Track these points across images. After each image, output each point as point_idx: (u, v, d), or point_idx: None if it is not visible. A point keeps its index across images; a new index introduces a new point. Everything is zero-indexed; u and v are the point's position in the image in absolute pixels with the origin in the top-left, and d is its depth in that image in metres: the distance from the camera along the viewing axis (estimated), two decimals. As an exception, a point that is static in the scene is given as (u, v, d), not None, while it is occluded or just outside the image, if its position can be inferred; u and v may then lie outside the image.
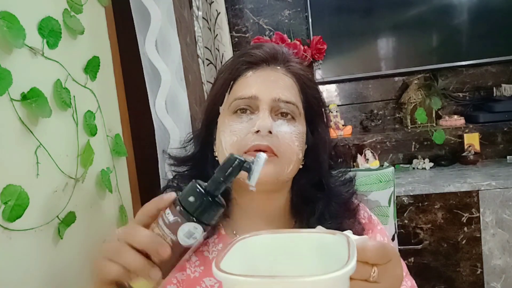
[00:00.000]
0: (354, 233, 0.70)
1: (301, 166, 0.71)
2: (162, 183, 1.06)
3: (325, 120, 0.74)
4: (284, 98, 0.66)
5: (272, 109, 0.66)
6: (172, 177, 0.78)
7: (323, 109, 0.73)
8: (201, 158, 0.73)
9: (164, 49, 1.15)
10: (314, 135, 0.71)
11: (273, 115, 0.67)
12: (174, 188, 0.76)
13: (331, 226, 0.69)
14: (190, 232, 0.46)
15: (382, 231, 0.78)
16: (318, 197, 0.72)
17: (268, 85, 0.67)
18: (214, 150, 0.71)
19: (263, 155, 0.50)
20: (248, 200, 0.73)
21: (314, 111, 0.71)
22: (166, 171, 1.06)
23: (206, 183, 0.48)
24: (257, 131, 0.64)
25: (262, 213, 0.73)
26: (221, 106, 0.70)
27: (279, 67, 0.69)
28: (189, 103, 1.28)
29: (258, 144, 0.64)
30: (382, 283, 0.45)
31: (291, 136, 0.66)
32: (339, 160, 0.78)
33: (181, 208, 0.46)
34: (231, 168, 0.47)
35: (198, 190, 0.47)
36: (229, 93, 0.70)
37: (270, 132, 0.64)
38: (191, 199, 0.46)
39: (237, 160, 0.47)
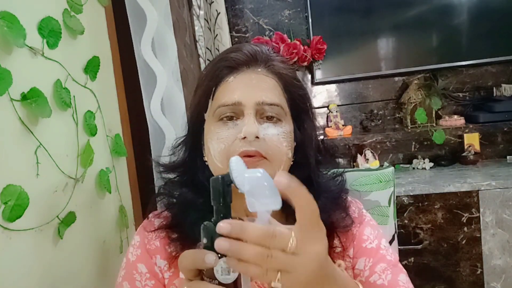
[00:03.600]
0: (343, 227, 0.71)
1: (291, 163, 0.71)
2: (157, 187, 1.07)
3: (311, 115, 0.73)
4: (268, 101, 0.66)
5: (257, 113, 0.66)
6: (163, 183, 0.77)
7: (308, 105, 0.73)
8: (190, 164, 0.73)
9: (161, 50, 1.15)
10: (301, 131, 0.72)
11: (259, 118, 0.66)
12: (165, 195, 0.75)
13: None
14: (224, 268, 0.46)
15: (374, 226, 0.77)
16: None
17: (251, 89, 0.66)
18: (204, 155, 0.71)
19: (232, 160, 0.49)
20: (239, 201, 0.72)
21: (299, 108, 0.71)
22: (155, 178, 1.06)
23: (212, 219, 0.48)
24: (244, 137, 0.64)
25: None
26: (205, 113, 0.70)
27: (260, 69, 0.68)
28: (188, 103, 1.28)
29: (246, 150, 0.64)
30: (299, 256, 0.44)
31: (278, 137, 0.66)
32: (327, 156, 0.77)
33: None
34: (221, 189, 0.47)
35: (208, 231, 0.47)
36: (212, 100, 0.69)
37: (257, 137, 0.64)
38: (205, 241, 0.47)
39: (220, 179, 0.48)
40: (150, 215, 0.76)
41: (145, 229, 0.74)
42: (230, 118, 0.66)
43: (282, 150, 0.66)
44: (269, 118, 0.67)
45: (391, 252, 0.74)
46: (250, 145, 0.64)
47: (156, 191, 0.77)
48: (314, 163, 0.73)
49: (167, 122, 1.14)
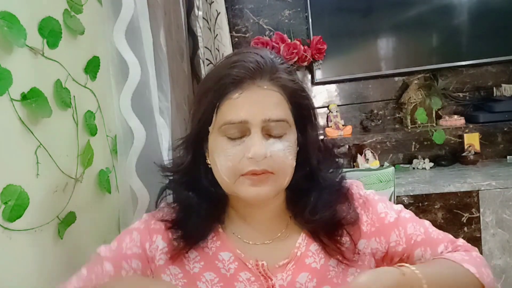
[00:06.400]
0: (350, 223, 0.73)
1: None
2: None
3: (313, 120, 0.75)
4: (274, 117, 0.66)
5: (263, 129, 0.67)
6: (167, 183, 0.79)
7: (312, 113, 0.74)
8: (193, 168, 0.75)
9: (135, 41, 1.04)
10: (303, 135, 0.73)
11: (264, 134, 0.67)
12: (173, 191, 0.77)
13: (325, 215, 0.72)
14: None
15: (380, 199, 0.79)
16: (310, 188, 0.74)
17: (257, 106, 0.66)
18: (207, 158, 0.73)
19: None
20: (245, 207, 0.75)
21: (303, 115, 0.72)
22: (125, 179, 1.05)
23: None
24: (252, 157, 0.65)
25: (260, 216, 0.75)
26: (209, 126, 0.70)
27: (265, 85, 0.67)
28: (178, 103, 1.26)
29: (255, 169, 0.65)
30: None
31: (284, 153, 0.68)
32: (327, 154, 0.78)
33: None
34: None
35: None
36: (216, 114, 0.69)
37: (265, 157, 0.65)
38: None
39: None
40: (162, 204, 0.78)
41: (154, 215, 0.76)
42: (237, 137, 0.67)
43: (288, 163, 0.68)
44: (275, 135, 0.68)
45: (401, 209, 0.78)
46: (258, 165, 0.65)
47: (160, 192, 0.79)
48: (316, 163, 0.74)
49: (138, 122, 1.03)
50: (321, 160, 0.76)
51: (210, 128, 0.70)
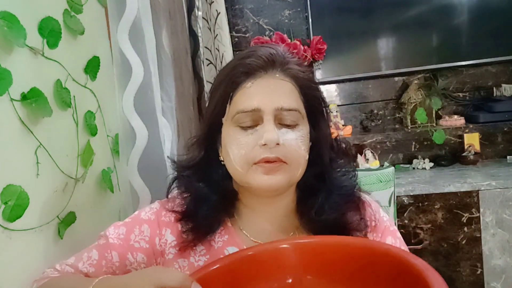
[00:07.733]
0: (357, 229, 0.72)
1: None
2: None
3: (325, 115, 0.75)
4: (286, 106, 0.67)
5: (276, 117, 0.67)
6: (175, 177, 0.78)
7: (323, 106, 0.74)
8: (206, 164, 0.75)
9: (138, 41, 1.06)
10: (316, 131, 0.73)
11: (277, 123, 0.67)
12: (182, 182, 0.76)
13: (332, 217, 0.71)
14: None
15: (394, 233, 0.78)
16: (320, 189, 0.73)
17: (269, 94, 0.67)
18: (219, 155, 0.73)
19: None
20: (255, 202, 0.74)
21: (315, 109, 0.73)
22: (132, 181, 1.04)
23: None
24: (265, 144, 0.65)
25: (269, 212, 0.75)
26: (223, 117, 0.71)
27: (277, 74, 0.69)
28: (183, 103, 1.25)
29: (267, 157, 0.66)
30: None
31: (296, 142, 0.68)
32: (340, 153, 0.78)
33: None
34: None
35: None
36: (229, 104, 0.70)
37: (277, 144, 0.65)
38: None
39: None
40: (175, 193, 0.78)
41: (164, 205, 0.76)
42: (250, 126, 0.67)
43: (300, 153, 0.68)
44: (287, 125, 0.68)
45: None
46: (271, 152, 0.65)
47: (170, 182, 0.78)
48: (328, 160, 0.74)
49: (140, 122, 1.05)
50: (333, 158, 0.76)
51: (224, 120, 0.70)
